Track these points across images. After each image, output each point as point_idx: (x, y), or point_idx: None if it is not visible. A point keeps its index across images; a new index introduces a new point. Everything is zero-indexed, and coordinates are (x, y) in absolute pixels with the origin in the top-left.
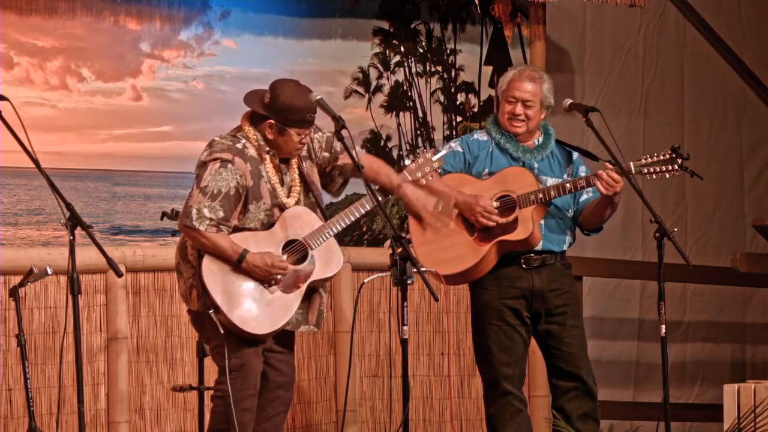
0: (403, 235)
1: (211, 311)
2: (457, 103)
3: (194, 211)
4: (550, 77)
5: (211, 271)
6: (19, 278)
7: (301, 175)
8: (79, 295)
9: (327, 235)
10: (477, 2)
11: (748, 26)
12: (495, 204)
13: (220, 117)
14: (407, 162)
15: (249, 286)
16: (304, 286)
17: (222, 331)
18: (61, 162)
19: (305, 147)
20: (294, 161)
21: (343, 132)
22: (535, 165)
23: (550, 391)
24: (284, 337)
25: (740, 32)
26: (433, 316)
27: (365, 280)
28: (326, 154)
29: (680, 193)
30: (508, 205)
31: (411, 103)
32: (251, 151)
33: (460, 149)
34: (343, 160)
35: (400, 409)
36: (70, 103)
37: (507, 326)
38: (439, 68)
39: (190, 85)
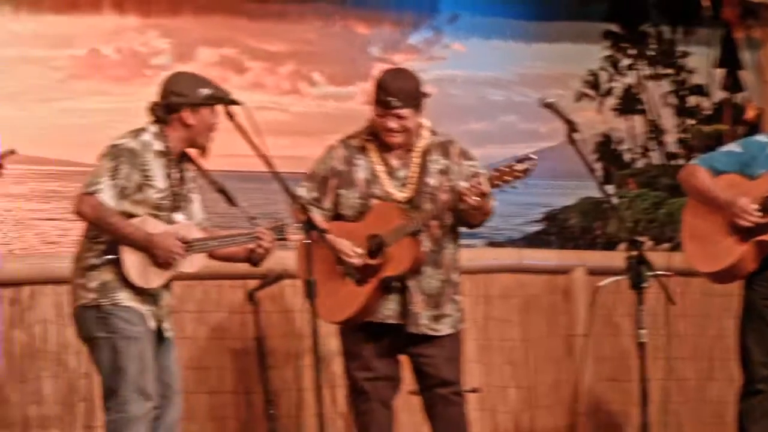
0: (638, 238)
1: None
2: (688, 105)
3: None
4: None
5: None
6: (256, 282)
7: (422, 173)
8: (316, 299)
9: (403, 232)
10: (707, 4)
11: None
12: (755, 206)
13: (449, 120)
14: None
15: (329, 275)
16: (376, 281)
17: None
18: (294, 166)
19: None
20: (415, 158)
21: (576, 135)
22: None
23: None
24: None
25: None
26: (670, 320)
27: (601, 284)
28: (464, 184)
29: None
30: None
31: (642, 106)
32: (354, 141)
33: (739, 150)
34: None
35: (638, 413)
36: (302, 107)
37: (766, 327)
38: (670, 71)
39: None
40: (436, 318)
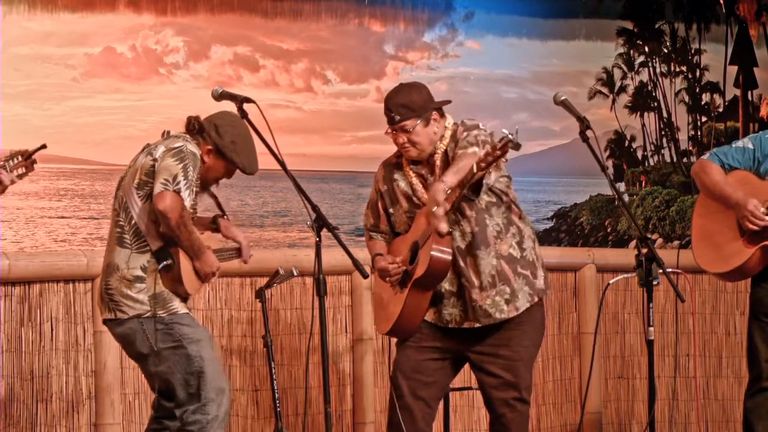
0: (649, 236)
1: None
2: (702, 103)
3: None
4: None
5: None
6: (265, 279)
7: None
8: (325, 297)
9: (428, 233)
10: (722, 1)
11: None
12: (763, 209)
13: (461, 118)
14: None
15: (388, 288)
16: (409, 285)
17: None
18: (306, 164)
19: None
20: (438, 161)
21: (588, 133)
22: None
23: None
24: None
25: None
26: (679, 318)
27: (610, 281)
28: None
29: None
30: None
31: (655, 104)
32: (392, 159)
33: (750, 146)
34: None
35: (645, 411)
36: (315, 105)
37: None
38: (684, 68)
39: (433, 87)
40: (508, 300)
